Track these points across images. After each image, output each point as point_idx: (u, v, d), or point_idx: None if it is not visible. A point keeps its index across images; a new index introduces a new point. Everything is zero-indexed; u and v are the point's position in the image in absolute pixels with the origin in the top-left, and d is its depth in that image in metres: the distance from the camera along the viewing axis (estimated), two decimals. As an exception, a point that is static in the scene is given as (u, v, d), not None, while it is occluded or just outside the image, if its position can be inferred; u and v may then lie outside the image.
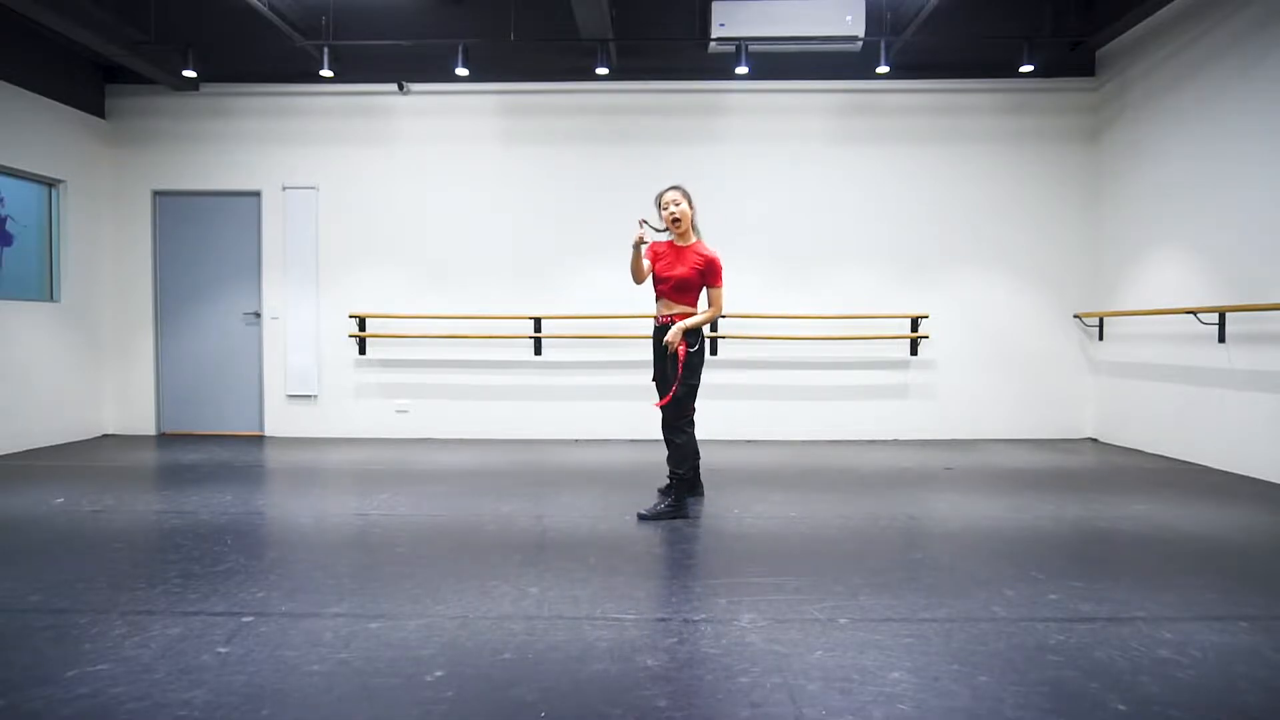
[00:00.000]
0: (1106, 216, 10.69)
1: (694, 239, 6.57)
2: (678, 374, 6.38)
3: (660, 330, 6.59)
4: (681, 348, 6.34)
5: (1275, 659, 3.73)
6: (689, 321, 6.38)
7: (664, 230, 6.63)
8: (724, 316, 10.53)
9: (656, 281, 6.62)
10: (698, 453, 6.72)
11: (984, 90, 10.95)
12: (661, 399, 6.54)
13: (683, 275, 6.44)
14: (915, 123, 10.98)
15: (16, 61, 9.73)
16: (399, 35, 10.47)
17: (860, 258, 10.99)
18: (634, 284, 7.02)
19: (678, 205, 6.45)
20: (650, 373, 6.87)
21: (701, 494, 7.23)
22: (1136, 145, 10.04)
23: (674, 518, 6.42)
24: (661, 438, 6.88)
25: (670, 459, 6.59)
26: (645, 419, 10.37)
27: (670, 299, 6.52)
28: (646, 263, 6.65)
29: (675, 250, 6.56)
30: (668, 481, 6.65)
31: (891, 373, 11.01)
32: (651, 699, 3.32)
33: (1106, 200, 10.69)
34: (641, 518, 6.41)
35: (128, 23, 9.82)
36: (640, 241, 6.47)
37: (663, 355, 6.48)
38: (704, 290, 6.58)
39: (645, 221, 6.50)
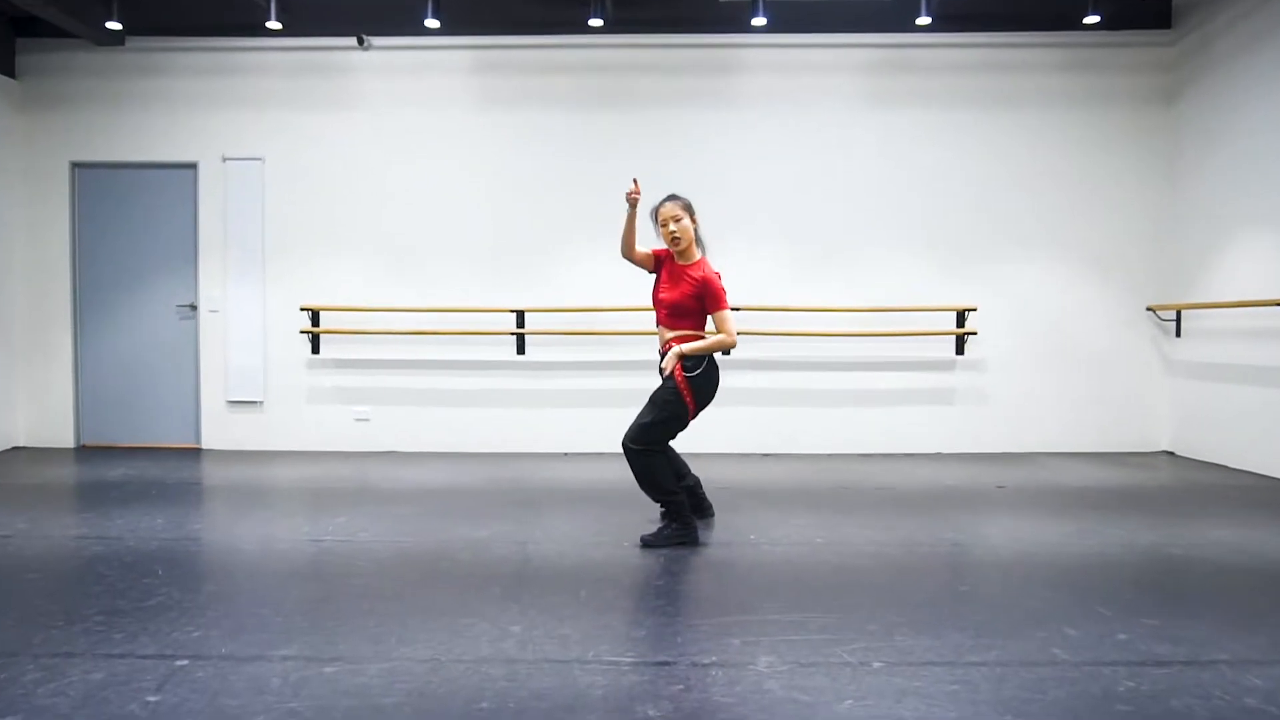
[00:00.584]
0: (1185, 192, 10.68)
1: (696, 256, 6.49)
2: (669, 397, 6.33)
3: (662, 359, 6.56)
4: (678, 370, 6.31)
5: (1381, 709, 3.73)
6: (689, 346, 6.31)
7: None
8: (738, 309, 10.53)
9: (654, 304, 6.64)
10: (679, 473, 6.87)
11: (1042, 45, 10.94)
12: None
13: (677, 299, 6.40)
14: (961, 83, 10.98)
15: (-88, 11, 9.74)
16: (358, -19, 10.48)
17: (897, 240, 11.00)
18: (621, 255, 6.74)
19: (678, 222, 6.36)
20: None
21: (711, 515, 7.21)
22: (1220, 108, 10.03)
23: (681, 543, 6.40)
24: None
25: (639, 481, 6.51)
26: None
27: (667, 325, 6.51)
28: (645, 251, 6.62)
29: (674, 270, 6.52)
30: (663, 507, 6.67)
31: (934, 375, 11.02)
32: (653, 756, 3.32)
33: (1185, 173, 10.68)
34: (645, 544, 6.39)
35: (42, -34, 9.83)
36: (635, 198, 6.46)
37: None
38: (708, 317, 6.49)
39: (636, 188, 6.45)
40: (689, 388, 6.30)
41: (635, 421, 6.41)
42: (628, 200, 6.46)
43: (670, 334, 6.44)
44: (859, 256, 10.99)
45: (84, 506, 7.88)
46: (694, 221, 6.42)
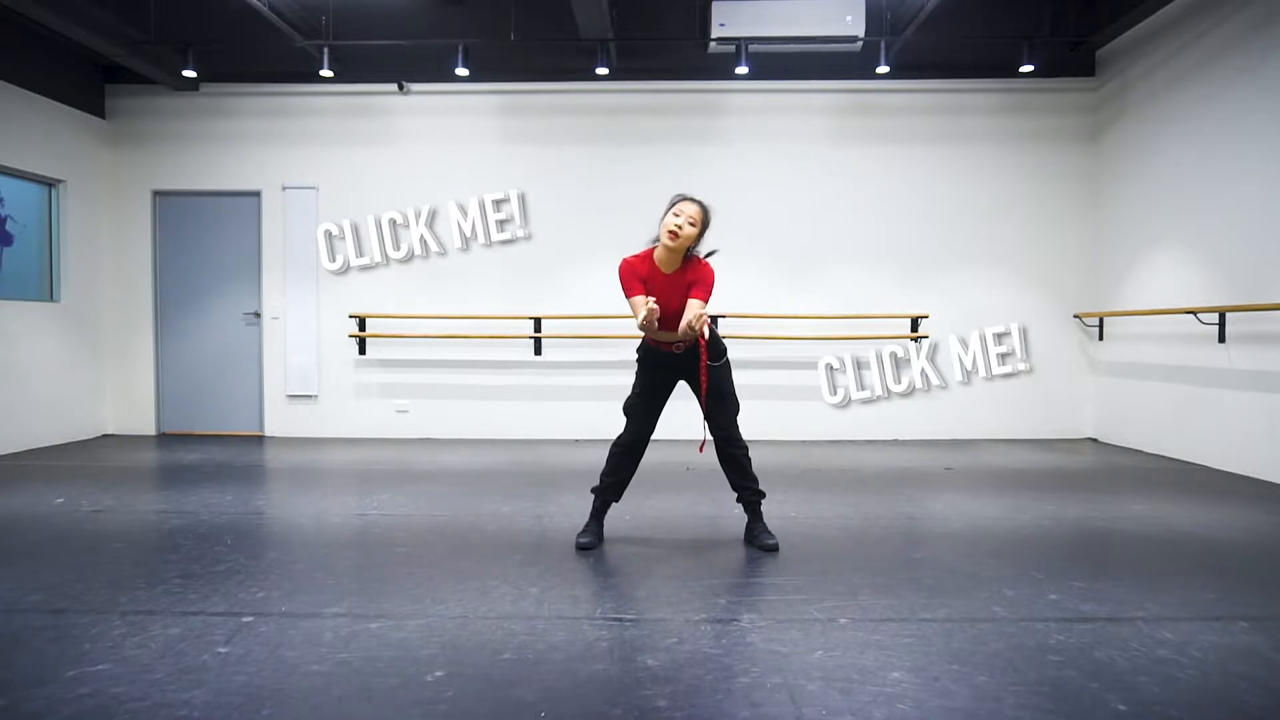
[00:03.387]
0: (1107, 216, 10.70)
1: (679, 263, 5.37)
2: (730, 386, 5.56)
3: (679, 358, 5.51)
4: (705, 367, 5.38)
5: (1275, 659, 3.73)
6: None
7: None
8: (725, 316, 10.54)
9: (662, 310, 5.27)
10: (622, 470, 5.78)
11: (984, 90, 10.95)
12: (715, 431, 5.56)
13: (680, 308, 5.27)
14: (915, 123, 10.98)
15: (16, 61, 9.74)
16: (399, 35, 10.48)
17: (860, 258, 11.00)
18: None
19: (693, 225, 5.21)
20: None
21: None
22: (1137, 145, 10.04)
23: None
24: (719, 458, 5.69)
25: (748, 474, 5.66)
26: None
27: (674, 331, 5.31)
28: (639, 289, 5.31)
29: (664, 277, 5.36)
30: (750, 499, 5.75)
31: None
32: (652, 699, 3.32)
33: (1107, 200, 10.69)
34: (774, 548, 5.55)
35: (128, 22, 9.81)
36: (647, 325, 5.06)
37: (667, 387, 5.64)
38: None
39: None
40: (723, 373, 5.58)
41: (727, 427, 5.54)
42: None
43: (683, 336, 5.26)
44: (828, 270, 10.98)
45: (163, 485, 7.88)
46: (702, 235, 5.32)
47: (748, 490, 5.69)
